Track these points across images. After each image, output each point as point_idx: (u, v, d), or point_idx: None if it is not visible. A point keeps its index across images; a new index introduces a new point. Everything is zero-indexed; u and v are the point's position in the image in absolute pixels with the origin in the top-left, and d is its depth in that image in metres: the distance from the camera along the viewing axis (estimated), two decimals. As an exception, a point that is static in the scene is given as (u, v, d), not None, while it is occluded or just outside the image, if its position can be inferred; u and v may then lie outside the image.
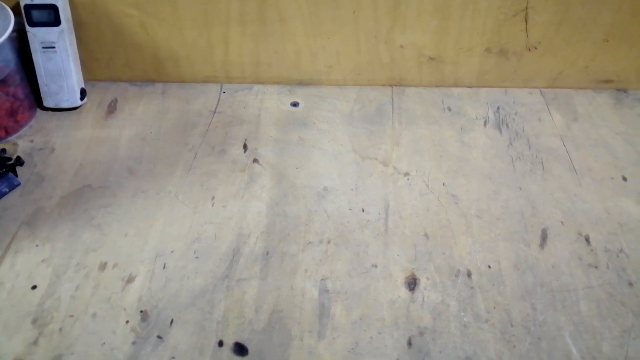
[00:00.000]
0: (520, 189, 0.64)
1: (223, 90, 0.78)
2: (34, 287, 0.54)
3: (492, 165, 0.67)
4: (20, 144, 0.70)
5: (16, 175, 0.65)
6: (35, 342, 0.50)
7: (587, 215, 0.61)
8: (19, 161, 0.66)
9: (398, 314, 0.52)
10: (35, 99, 0.74)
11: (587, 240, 0.59)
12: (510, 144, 0.70)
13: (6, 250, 0.57)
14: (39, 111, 0.74)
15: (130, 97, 0.77)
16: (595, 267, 0.56)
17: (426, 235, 0.59)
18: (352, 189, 0.64)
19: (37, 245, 0.58)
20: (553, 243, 0.59)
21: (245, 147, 0.70)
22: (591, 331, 0.51)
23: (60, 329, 0.51)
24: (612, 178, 0.66)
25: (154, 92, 0.78)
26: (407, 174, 0.66)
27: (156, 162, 0.67)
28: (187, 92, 0.78)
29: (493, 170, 0.67)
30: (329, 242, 0.58)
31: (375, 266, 0.56)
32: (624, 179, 0.65)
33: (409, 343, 0.50)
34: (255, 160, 0.68)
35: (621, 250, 0.58)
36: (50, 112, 0.74)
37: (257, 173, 0.66)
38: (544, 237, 0.59)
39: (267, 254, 0.57)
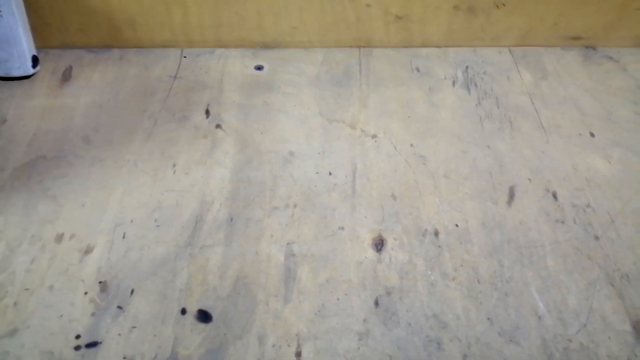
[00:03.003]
0: (489, 147, 0.64)
1: (184, 55, 0.75)
2: (-14, 262, 0.52)
3: (461, 125, 0.66)
4: (-32, 115, 0.66)
5: (-35, 147, 0.61)
6: (-11, 318, 0.48)
7: (555, 171, 0.61)
8: (-32, 133, 0.63)
9: (365, 275, 0.51)
10: (-16, 67, 0.70)
11: (555, 196, 0.59)
12: (479, 103, 0.69)
13: (-44, 225, 0.55)
14: (-12, 81, 0.70)
15: (85, 64, 0.73)
16: (563, 222, 0.56)
17: (394, 197, 0.58)
18: (319, 153, 0.63)
19: (-11, 219, 0.55)
20: (520, 200, 0.58)
21: (207, 112, 0.67)
22: (558, 285, 0.51)
23: (15, 303, 0.49)
24: (580, 134, 0.65)
25: (110, 59, 0.74)
26: (374, 136, 0.65)
27: (114, 130, 0.65)
28: (145, 57, 0.75)
29: (461, 130, 0.66)
30: (295, 206, 0.57)
31: (342, 229, 0.55)
32: (592, 135, 0.65)
33: (376, 303, 0.49)
34: (218, 126, 0.65)
35: (588, 205, 0.57)
36: (0, 82, 0.70)
37: (220, 139, 0.64)
38: (511, 195, 0.59)
39: (232, 220, 0.56)
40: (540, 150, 0.63)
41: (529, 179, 0.60)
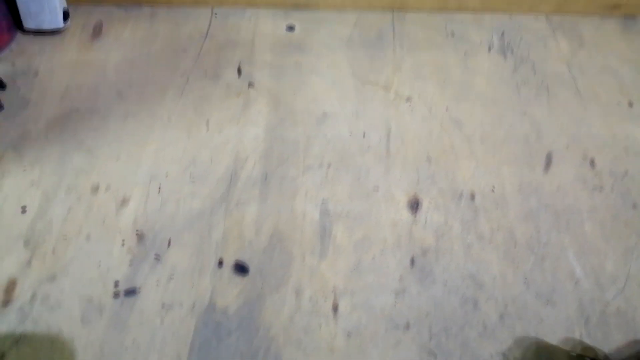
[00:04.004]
0: (525, 114, 0.63)
1: (214, 14, 0.74)
2: (23, 210, 0.52)
3: (497, 91, 0.65)
4: (0, 67, 0.66)
5: (-1, 98, 0.61)
6: (29, 263, 0.48)
7: (593, 139, 0.60)
8: (1, 85, 0.63)
9: (400, 235, 0.51)
10: (15, 21, 0.69)
11: (592, 163, 0.58)
12: (515, 69, 0.68)
13: (-8, 174, 0.55)
14: (19, 34, 0.70)
15: (116, 21, 0.72)
16: (600, 189, 0.55)
17: (429, 159, 0.57)
18: (352, 114, 0.62)
19: (24, 169, 0.55)
20: (558, 167, 0.57)
21: (239, 71, 0.66)
22: (595, 251, 0.51)
23: (54, 251, 0.49)
24: (618, 104, 0.64)
25: (141, 16, 0.73)
26: (409, 99, 0.64)
27: (146, 86, 0.64)
28: (176, 15, 0.74)
29: (497, 95, 0.65)
30: (329, 166, 0.57)
31: (377, 189, 0.55)
32: (630, 104, 0.64)
33: (412, 262, 0.49)
34: (250, 85, 0.65)
35: (626, 174, 0.57)
36: (31, 36, 0.70)
37: (253, 98, 0.63)
38: (548, 161, 0.58)
39: (266, 177, 0.55)
40: (577, 117, 0.62)
41: (567, 146, 0.59)
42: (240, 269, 0.48)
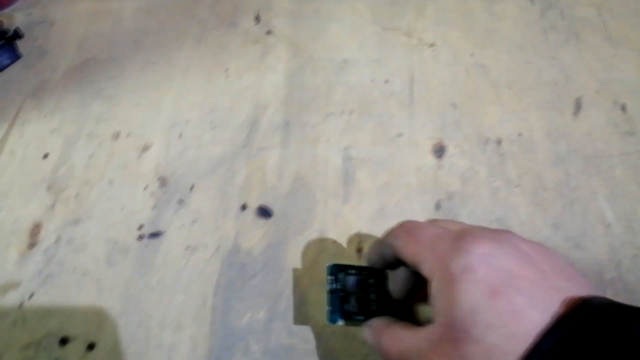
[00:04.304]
0: (554, 59, 0.60)
1: (231, -38, 0.72)
2: (45, 156, 0.52)
3: (524, 36, 0.63)
4: (16, 17, 0.65)
5: (16, 47, 0.61)
6: (52, 207, 0.48)
7: (623, 84, 0.58)
8: (18, 34, 0.62)
9: (425, 180, 0.50)
10: (29, -31, 0.68)
11: (623, 108, 0.56)
12: (543, 14, 0.65)
13: (14, 121, 0.55)
14: (34, -16, 0.69)
15: (131, -30, 0.71)
16: (632, 134, 0.54)
17: (454, 105, 0.56)
18: (374, 61, 0.60)
19: (45, 117, 0.55)
20: (587, 111, 0.56)
21: (257, 19, 0.65)
22: (627, 195, 0.49)
23: (77, 195, 0.49)
24: (651, 48, 0.61)
25: (156, -36, 0.72)
26: (432, 44, 0.62)
27: (163, 35, 0.63)
28: (192, -37, 0.71)
29: (524, 40, 0.62)
30: (351, 112, 0.55)
31: (401, 135, 0.54)
32: (664, 49, 0.61)
33: (437, 206, 0.48)
34: (268, 33, 0.63)
35: (659, 118, 0.55)
36: (46, -15, 0.69)
37: (272, 45, 0.62)
38: (578, 106, 0.56)
39: (287, 124, 0.54)
40: (608, 62, 0.60)
41: (596, 91, 0.57)
42: (264, 212, 0.48)
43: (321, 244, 0.46)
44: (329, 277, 0.40)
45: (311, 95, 0.57)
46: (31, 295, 0.43)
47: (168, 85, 0.58)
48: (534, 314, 0.25)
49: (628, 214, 0.48)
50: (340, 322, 0.38)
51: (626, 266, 0.45)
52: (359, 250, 0.46)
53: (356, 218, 0.48)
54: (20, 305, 0.43)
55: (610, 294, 0.43)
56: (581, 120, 0.55)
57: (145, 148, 0.52)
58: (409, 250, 0.31)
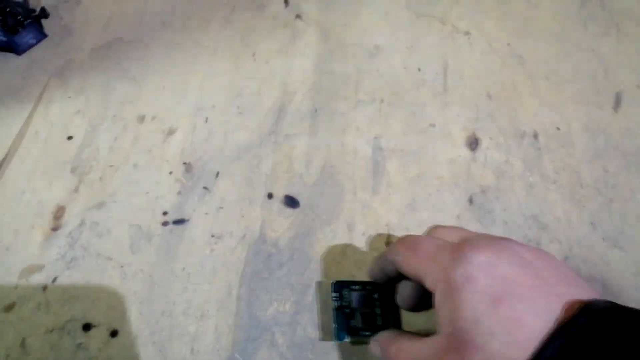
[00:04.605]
0: (593, 51, 0.58)
1: (260, -57, 0.70)
2: (70, 138, 0.51)
3: (562, 26, 0.60)
4: (42, -5, 0.64)
5: (42, 26, 0.60)
6: (76, 190, 0.48)
7: (667, 79, 0.55)
8: (44, 13, 0.61)
9: (458, 173, 0.49)
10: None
11: (666, 105, 0.53)
12: (582, 5, 0.63)
13: (38, 101, 0.54)
14: (59, -39, 0.67)
15: (157, -51, 0.69)
16: (675, 131, 0.51)
17: (489, 96, 0.54)
18: (406, 48, 0.58)
19: (70, 97, 0.54)
20: (627, 106, 0.53)
21: (286, 2, 0.63)
22: (668, 195, 0.47)
23: (101, 178, 0.48)
24: (697, 41, 0.59)
25: (183, -56, 0.70)
26: (467, 33, 0.60)
27: (190, 16, 0.62)
28: (220, -56, 0.70)
29: (563, 31, 0.60)
30: (382, 101, 0.54)
31: (433, 125, 0.52)
32: None
33: (470, 200, 0.47)
34: (297, 17, 0.61)
35: None
36: (71, -37, 0.67)
37: (301, 29, 0.60)
38: (617, 100, 0.54)
39: (316, 111, 0.53)
40: (650, 56, 0.57)
41: (637, 85, 0.55)
42: (291, 201, 0.47)
43: (349, 236, 0.45)
44: (334, 295, 0.39)
45: (340, 82, 0.56)
46: (55, 279, 0.43)
47: (194, 68, 0.57)
48: (536, 320, 0.24)
49: (670, 215, 0.46)
50: (347, 339, 0.38)
51: (667, 269, 0.43)
52: (388, 244, 0.45)
53: (385, 210, 0.46)
54: (44, 288, 0.42)
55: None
56: (621, 115, 0.53)
57: (171, 132, 0.51)
58: (411, 265, 0.31)
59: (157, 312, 0.41)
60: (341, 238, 0.45)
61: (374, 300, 0.39)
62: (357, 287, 0.40)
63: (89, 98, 0.54)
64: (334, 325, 0.38)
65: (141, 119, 0.52)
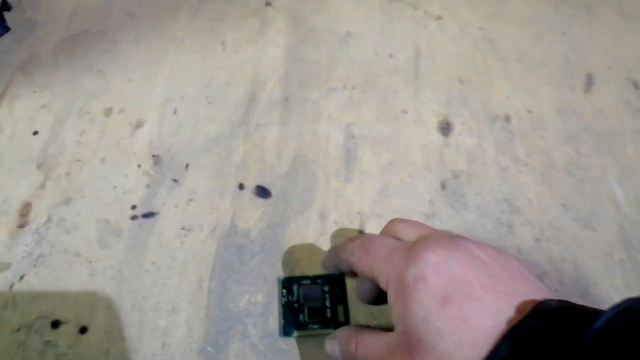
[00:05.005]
0: (564, 33, 0.58)
1: None
2: (35, 133, 0.50)
3: (534, 9, 0.60)
4: (5, -12, 0.62)
5: (4, 20, 0.58)
6: (43, 186, 0.47)
7: (637, 59, 0.56)
8: (6, 6, 0.60)
9: (431, 158, 0.48)
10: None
11: (636, 85, 0.54)
12: (554, -14, 0.62)
13: (2, 96, 0.53)
14: (22, -47, 0.66)
15: (124, -62, 0.68)
16: (645, 112, 0.51)
17: (461, 81, 0.54)
18: (377, 34, 0.58)
19: (34, 92, 0.53)
20: (599, 88, 0.53)
21: (256, -10, 0.62)
22: (638, 175, 0.47)
23: (68, 173, 0.47)
24: (667, 22, 0.59)
25: None
26: (439, 17, 0.59)
27: (158, 6, 0.60)
28: None
29: (534, 14, 0.60)
30: (353, 88, 0.53)
31: (406, 112, 0.51)
32: (680, 22, 0.59)
33: (443, 186, 0.47)
34: (268, 4, 0.61)
35: (674, 95, 0.52)
36: (35, -45, 0.66)
37: (271, 17, 0.59)
38: (589, 82, 0.54)
39: (287, 100, 0.52)
40: (620, 37, 0.58)
41: (609, 67, 0.55)
42: (262, 192, 0.46)
43: (322, 225, 0.44)
44: (282, 291, 0.40)
45: (312, 70, 0.55)
46: (21, 277, 0.42)
47: (162, 60, 0.55)
48: (485, 320, 0.24)
49: (639, 194, 0.46)
50: (295, 334, 0.38)
51: (636, 247, 0.43)
52: (362, 232, 0.44)
53: (358, 198, 0.46)
54: (11, 287, 0.41)
55: (619, 275, 0.42)
56: (592, 97, 0.53)
57: (139, 125, 0.50)
58: (365, 265, 0.30)
59: (127, 307, 0.40)
60: (314, 227, 0.44)
61: (324, 293, 0.39)
62: (306, 281, 0.40)
63: (54, 92, 0.53)
64: (281, 322, 0.38)
65: (108, 112, 0.51)
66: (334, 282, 0.40)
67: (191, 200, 0.46)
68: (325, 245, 0.43)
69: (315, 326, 0.38)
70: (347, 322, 0.39)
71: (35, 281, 0.42)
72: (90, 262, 0.42)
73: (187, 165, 0.48)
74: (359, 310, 0.40)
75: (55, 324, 0.40)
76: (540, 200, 0.46)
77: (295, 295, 0.39)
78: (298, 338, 0.39)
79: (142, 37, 0.57)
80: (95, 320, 0.40)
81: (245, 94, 0.53)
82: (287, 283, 0.40)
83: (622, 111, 0.52)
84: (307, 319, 0.38)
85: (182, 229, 0.44)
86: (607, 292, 0.41)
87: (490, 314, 0.24)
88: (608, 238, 0.44)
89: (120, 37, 0.57)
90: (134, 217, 0.45)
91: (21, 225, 0.45)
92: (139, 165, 0.48)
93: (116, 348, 0.38)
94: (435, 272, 0.26)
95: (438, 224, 0.44)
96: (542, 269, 0.42)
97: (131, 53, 0.56)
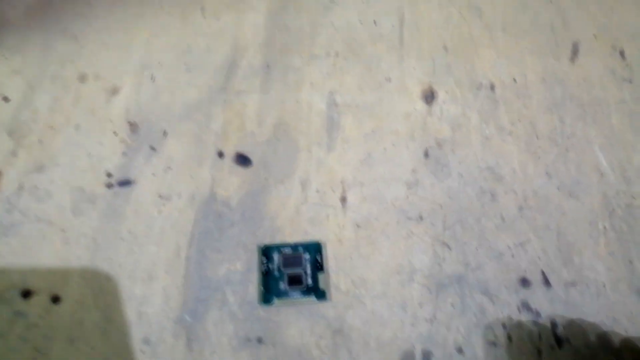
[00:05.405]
0: (551, 2, 0.57)
1: None
2: (6, 99, 0.48)
3: (520, -23, 0.59)
4: (-28, -51, 0.59)
5: (-28, -18, 0.55)
6: (14, 154, 0.45)
7: (623, 29, 0.55)
8: (-26, -33, 0.57)
9: (414, 127, 0.47)
10: None
11: (622, 54, 0.53)
12: (541, -45, 0.61)
13: (-31, 61, 0.50)
14: None
15: None
16: (630, 81, 0.51)
17: (446, 49, 0.53)
18: (362, 1, 0.56)
19: (6, 58, 0.51)
20: (585, 57, 0.53)
21: (237, -45, 0.60)
22: (622, 144, 0.47)
23: (40, 141, 0.46)
24: (654, -9, 0.58)
25: None
26: (424, -16, 0.58)
27: (135, -30, 0.58)
28: None
29: (521, -18, 0.58)
30: (337, 55, 0.52)
31: (389, 80, 0.50)
32: (667, -8, 0.58)
33: (426, 154, 0.46)
34: (249, -30, 0.58)
35: (659, 64, 0.52)
36: None
37: (253, -17, 0.57)
38: (575, 51, 0.53)
39: (268, 67, 0.51)
40: (607, 6, 0.57)
41: (595, 36, 0.54)
42: (242, 160, 0.45)
43: (304, 194, 0.43)
44: (262, 259, 0.39)
45: (294, 37, 0.53)
46: (-8, 246, 0.40)
47: (139, 25, 0.54)
48: None
49: (623, 163, 0.46)
50: (275, 302, 0.38)
51: (619, 215, 0.43)
52: (344, 200, 0.43)
53: (341, 166, 0.45)
54: (-20, 256, 0.40)
55: (602, 244, 0.42)
56: (578, 66, 0.52)
57: (115, 91, 0.49)
58: None
59: (101, 277, 0.39)
60: (295, 196, 0.43)
61: (305, 261, 0.39)
62: (287, 249, 0.39)
63: (26, 58, 0.51)
64: (261, 290, 0.38)
65: (83, 78, 0.50)
66: (315, 250, 0.39)
67: (169, 168, 0.44)
68: (306, 213, 0.42)
69: (296, 294, 0.37)
70: (328, 290, 0.38)
71: (6, 251, 0.40)
72: (63, 230, 0.41)
73: (165, 133, 0.46)
74: (340, 278, 0.39)
75: (26, 294, 0.38)
76: (524, 168, 0.45)
77: (276, 263, 0.39)
78: (278, 306, 0.38)
79: (118, 1, 0.55)
80: (69, 289, 0.39)
81: (225, 60, 0.51)
82: (268, 251, 0.39)
83: (608, 80, 0.51)
84: (287, 287, 0.38)
85: (160, 197, 0.43)
86: (590, 261, 0.41)
87: None
88: (592, 207, 0.44)
89: (95, 1, 0.55)
90: (109, 185, 0.43)
91: (-9, 194, 0.43)
92: (115, 133, 0.46)
93: (90, 318, 0.37)
94: None
95: (421, 193, 0.44)
96: (525, 238, 0.42)
97: (107, 17, 0.54)
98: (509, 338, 0.38)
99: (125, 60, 0.51)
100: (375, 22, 0.55)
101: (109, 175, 0.44)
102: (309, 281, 0.38)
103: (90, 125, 0.46)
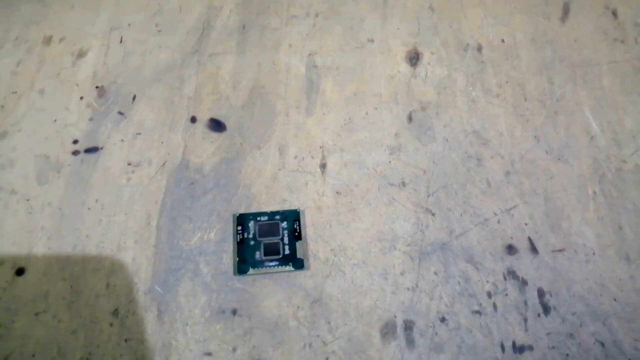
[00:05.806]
0: (542, -41, 0.54)
1: None
2: (-35, 63, 0.45)
3: None
4: None
5: None
6: (-26, 120, 0.42)
7: (617, -13, 0.52)
8: None
9: (397, 90, 0.45)
10: None
11: (615, 14, 0.51)
12: None
13: None
14: None
15: None
16: (622, 41, 0.49)
17: (431, 8, 0.50)
18: (343, -42, 0.53)
19: (-37, 19, 0.48)
20: (576, 16, 0.50)
21: None
22: (613, 106, 0.45)
23: (2, 106, 0.43)
24: (649, -52, 0.55)
25: None
26: (409, -59, 0.55)
27: None
28: None
29: (511, -62, 0.56)
30: (317, 15, 0.49)
31: (372, 40, 0.48)
32: (662, -52, 0.55)
33: (410, 118, 0.44)
34: None
35: (653, 24, 0.50)
36: None
37: (229, -60, 0.54)
38: (566, 10, 0.51)
39: (244, 27, 0.48)
40: (601, -36, 0.54)
41: (587, -6, 0.52)
42: (216, 125, 0.43)
43: (281, 160, 0.41)
44: (237, 228, 0.37)
45: (272, -3, 0.51)
46: (-49, 217, 0.38)
47: (107, -16, 0.50)
48: None
49: (613, 126, 0.44)
50: (251, 271, 0.36)
51: (609, 179, 0.42)
52: (323, 166, 0.41)
53: (320, 131, 0.43)
54: (-61, 227, 0.38)
55: (592, 209, 0.40)
56: (569, 26, 0.50)
57: (81, 54, 0.46)
58: None
59: (68, 247, 0.37)
60: (272, 162, 0.41)
61: (282, 229, 0.37)
62: (263, 217, 0.38)
63: (-15, 19, 0.48)
64: (236, 259, 0.36)
65: (48, 40, 0.47)
66: (293, 218, 0.37)
67: (139, 134, 0.42)
68: (284, 180, 0.40)
69: (273, 264, 0.36)
70: (306, 259, 0.37)
71: (-33, 221, 0.38)
72: (27, 199, 0.39)
73: (134, 97, 0.44)
74: (319, 246, 0.38)
75: (-10, 266, 0.36)
76: (512, 132, 0.44)
77: (252, 232, 0.37)
78: (254, 276, 0.36)
79: (85, -40, 0.52)
80: (33, 261, 0.37)
81: (198, 20, 0.48)
82: (243, 219, 0.37)
83: (599, 41, 0.49)
84: (263, 257, 0.36)
85: (129, 164, 0.41)
86: (578, 226, 0.40)
87: None
88: (581, 171, 0.42)
89: (60, -41, 0.52)
90: (75, 152, 0.41)
91: (-50, 162, 0.41)
92: (82, 98, 0.44)
93: (56, 289, 0.36)
94: None
95: (404, 158, 0.42)
96: (511, 203, 0.40)
97: (72, -23, 0.51)
98: (494, 307, 0.37)
99: (92, 21, 0.48)
100: (357, -20, 0.52)
101: (75, 141, 0.41)
102: (287, 250, 0.36)
103: (55, 89, 0.44)
